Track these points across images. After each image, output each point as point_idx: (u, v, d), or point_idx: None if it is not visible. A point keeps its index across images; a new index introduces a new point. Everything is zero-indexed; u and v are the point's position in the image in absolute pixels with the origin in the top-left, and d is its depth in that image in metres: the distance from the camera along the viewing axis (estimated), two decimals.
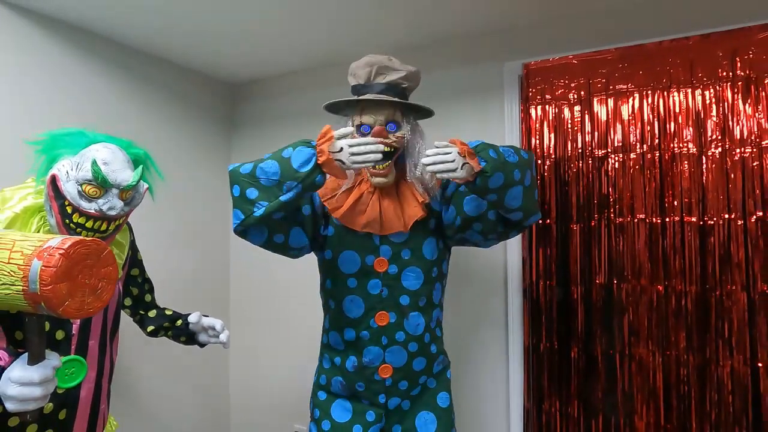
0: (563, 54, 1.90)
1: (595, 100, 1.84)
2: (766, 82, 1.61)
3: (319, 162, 1.26)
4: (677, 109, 1.73)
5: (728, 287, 1.63)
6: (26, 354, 0.97)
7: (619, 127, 1.81)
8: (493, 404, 2.02)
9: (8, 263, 0.90)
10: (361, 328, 1.48)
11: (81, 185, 1.19)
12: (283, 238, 1.45)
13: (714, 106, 1.68)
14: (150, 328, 1.57)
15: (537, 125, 1.93)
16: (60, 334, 1.23)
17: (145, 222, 1.88)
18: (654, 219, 1.74)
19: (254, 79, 2.66)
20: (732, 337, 1.62)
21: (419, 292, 1.49)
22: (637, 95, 1.78)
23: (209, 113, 2.61)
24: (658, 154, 1.75)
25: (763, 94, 1.62)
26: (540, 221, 1.91)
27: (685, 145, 1.71)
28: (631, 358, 1.75)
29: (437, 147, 1.29)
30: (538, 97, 1.93)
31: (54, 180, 1.20)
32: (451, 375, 1.67)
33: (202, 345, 1.58)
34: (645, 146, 1.77)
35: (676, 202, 1.71)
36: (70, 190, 1.19)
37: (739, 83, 1.65)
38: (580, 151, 1.86)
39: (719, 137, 1.67)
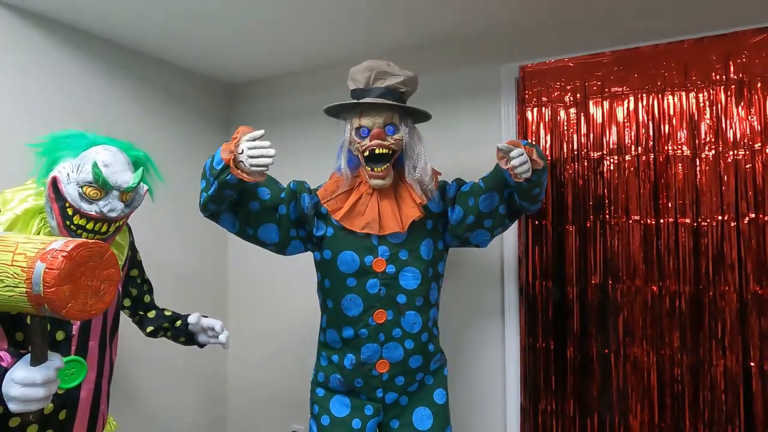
0: (559, 57, 1.91)
1: (591, 102, 1.86)
2: (758, 85, 1.63)
3: (225, 162, 1.31)
4: (671, 112, 1.75)
5: (721, 288, 1.65)
6: (29, 355, 0.98)
7: (614, 129, 1.82)
8: (490, 403, 2.03)
9: (11, 265, 0.91)
10: (359, 326, 1.51)
11: (82, 187, 1.20)
12: (252, 231, 1.54)
13: (708, 109, 1.70)
14: (149, 329, 1.58)
15: (533, 127, 1.95)
16: (60, 335, 1.23)
17: (144, 222, 1.89)
18: (648, 220, 1.76)
19: (253, 80, 2.66)
20: (725, 337, 1.64)
21: (416, 291, 1.51)
22: (632, 98, 1.80)
23: (208, 114, 2.61)
24: (652, 156, 1.76)
25: (756, 97, 1.64)
26: (536, 222, 1.93)
27: (679, 147, 1.73)
28: (625, 357, 1.77)
29: (501, 149, 1.38)
30: (535, 99, 1.95)
31: (55, 182, 1.20)
32: (448, 373, 1.69)
33: (201, 345, 1.59)
34: (640, 148, 1.78)
35: (670, 204, 1.73)
36: (70, 192, 1.19)
37: (733, 86, 1.67)
38: (575, 152, 1.88)
39: (713, 140, 1.69)
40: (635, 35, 1.82)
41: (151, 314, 1.59)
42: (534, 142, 1.93)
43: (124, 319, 1.58)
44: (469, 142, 2.09)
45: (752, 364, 1.60)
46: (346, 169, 1.54)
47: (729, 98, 1.67)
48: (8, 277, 0.91)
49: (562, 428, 1.85)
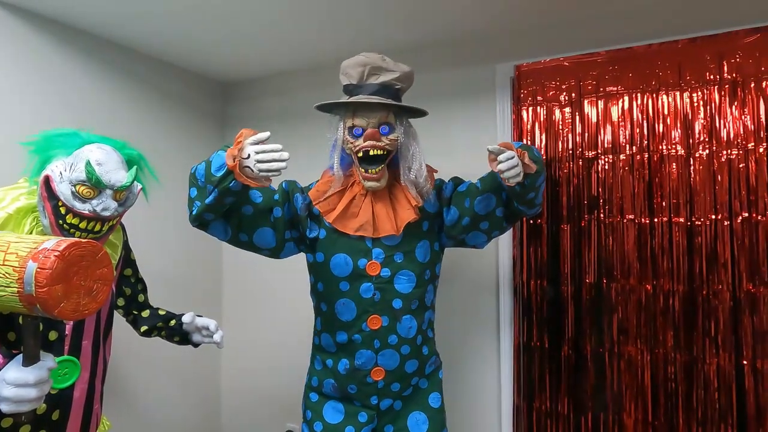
0: (554, 56, 1.91)
1: (586, 101, 1.86)
2: (752, 85, 1.64)
3: (229, 168, 1.22)
4: (666, 111, 1.75)
5: (715, 287, 1.66)
6: (21, 355, 0.97)
7: (608, 128, 1.83)
8: (484, 402, 2.03)
9: (3, 265, 0.90)
10: (353, 332, 1.47)
11: (75, 186, 1.19)
12: (247, 237, 1.46)
13: (701, 109, 1.70)
14: (143, 328, 1.57)
15: (528, 126, 1.95)
16: (53, 335, 1.22)
17: (137, 221, 1.88)
18: (643, 219, 1.77)
19: (248, 79, 2.65)
20: (718, 335, 1.64)
21: (412, 295, 1.48)
22: (626, 97, 1.81)
23: (201, 113, 2.60)
24: (647, 156, 1.77)
25: (750, 97, 1.65)
26: (531, 221, 1.93)
27: (674, 146, 1.74)
28: (619, 356, 1.77)
29: (491, 151, 1.29)
30: (530, 98, 1.95)
31: (47, 181, 1.19)
32: (443, 374, 1.67)
33: (195, 345, 1.58)
34: (634, 147, 1.79)
35: (664, 203, 1.74)
36: (63, 190, 1.18)
37: (726, 86, 1.67)
38: (570, 152, 1.88)
39: (706, 139, 1.69)
40: (630, 35, 1.82)
41: (145, 313, 1.58)
42: (529, 144, 1.92)
43: (118, 318, 1.57)
44: (465, 141, 2.08)
45: (745, 362, 1.61)
46: (338, 169, 1.48)
47: (723, 98, 1.68)
48: (0, 277, 0.90)
49: (556, 427, 1.85)
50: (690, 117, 1.72)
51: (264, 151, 1.19)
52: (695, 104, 1.71)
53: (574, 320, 1.84)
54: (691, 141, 1.72)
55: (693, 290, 1.69)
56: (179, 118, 2.47)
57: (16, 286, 0.89)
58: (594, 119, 1.85)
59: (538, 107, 1.94)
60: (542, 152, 1.92)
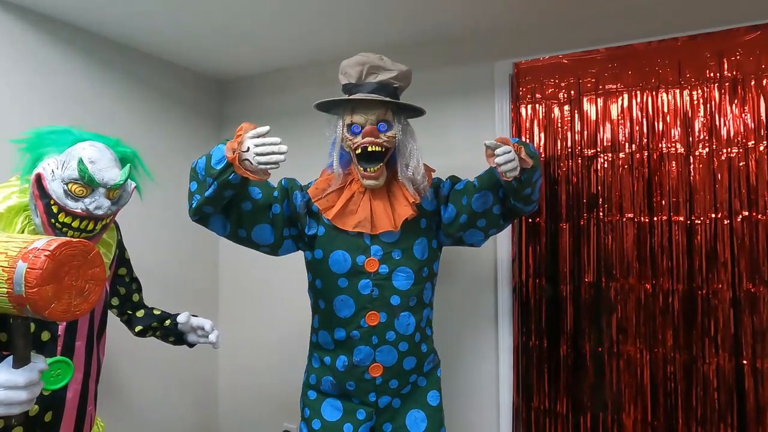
0: (553, 53, 1.90)
1: (585, 99, 1.85)
2: (752, 83, 1.63)
3: (228, 160, 1.24)
4: (665, 109, 1.74)
5: (714, 286, 1.65)
6: (11, 357, 0.96)
7: (608, 126, 1.82)
8: (483, 401, 2.03)
9: None
10: (351, 328, 1.47)
11: (67, 184, 1.17)
12: (245, 233, 1.47)
13: (701, 107, 1.69)
14: (138, 328, 1.55)
15: (527, 124, 1.94)
16: (46, 335, 1.21)
17: (132, 220, 1.86)
18: (642, 218, 1.76)
19: (245, 76, 2.63)
20: (718, 334, 1.64)
21: (410, 292, 1.48)
22: (626, 95, 1.79)
23: (197, 110, 2.58)
24: (646, 154, 1.76)
25: (750, 95, 1.63)
26: (530, 219, 1.92)
27: (673, 144, 1.73)
28: (619, 355, 1.76)
29: (488, 146, 1.32)
30: (529, 96, 1.93)
31: (39, 179, 1.18)
32: (442, 373, 1.68)
33: (191, 345, 1.57)
34: (634, 146, 1.78)
35: (663, 202, 1.73)
36: (55, 189, 1.17)
37: (726, 84, 1.66)
38: (569, 150, 1.87)
39: (706, 137, 1.68)
40: (629, 32, 1.81)
41: (140, 313, 1.56)
42: (527, 140, 1.92)
43: (113, 318, 1.55)
44: (463, 139, 2.07)
45: (745, 362, 1.60)
46: (337, 167, 1.49)
47: (723, 96, 1.67)
48: None
49: (554, 426, 1.84)
50: (690, 115, 1.71)
51: (263, 144, 1.21)
52: (695, 102, 1.70)
53: (573, 319, 1.83)
54: (690, 139, 1.70)
55: (692, 289, 1.68)
56: (176, 116, 2.45)
57: (6, 286, 0.87)
58: (593, 117, 1.84)
59: (537, 105, 1.92)
60: (541, 150, 1.91)
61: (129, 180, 1.30)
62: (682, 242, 1.70)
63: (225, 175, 1.26)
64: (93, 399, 1.36)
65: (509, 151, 1.30)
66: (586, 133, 1.85)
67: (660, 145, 1.74)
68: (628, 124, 1.79)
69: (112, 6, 1.83)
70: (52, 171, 1.18)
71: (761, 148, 1.61)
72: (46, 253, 0.87)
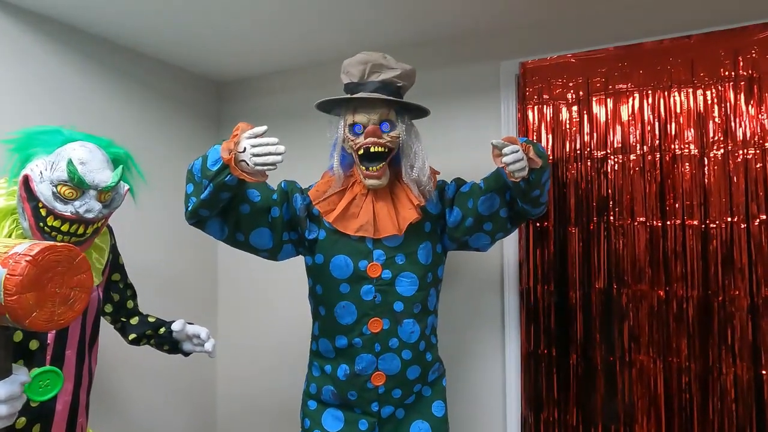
0: (561, 53, 1.86)
1: (594, 100, 1.81)
2: None
3: (224, 161, 1.21)
4: (678, 110, 1.70)
5: (731, 292, 1.60)
6: None
7: (618, 127, 1.77)
8: (490, 412, 1.98)
9: None
10: (353, 335, 1.44)
11: (56, 186, 1.14)
12: (243, 237, 1.45)
13: (716, 107, 1.65)
14: (132, 336, 1.51)
15: (534, 126, 1.89)
16: (34, 344, 1.17)
17: (128, 223, 1.82)
18: (654, 222, 1.71)
19: (244, 78, 2.60)
20: (735, 343, 1.58)
21: (414, 298, 1.45)
22: (637, 95, 1.75)
23: (195, 112, 2.55)
24: (658, 156, 1.71)
25: (766, 94, 1.59)
26: (537, 224, 1.87)
27: (687, 146, 1.68)
28: (631, 365, 1.71)
29: (495, 145, 1.29)
30: (536, 96, 1.89)
31: (27, 180, 1.15)
32: (447, 382, 1.63)
33: (186, 354, 1.52)
34: (645, 147, 1.73)
35: (677, 205, 1.68)
36: (43, 191, 1.13)
37: (742, 83, 1.62)
38: (578, 152, 1.82)
39: (721, 138, 1.64)
40: (639, 30, 1.77)
41: (134, 321, 1.52)
42: (535, 140, 1.87)
43: (106, 324, 1.50)
44: (468, 141, 2.03)
45: (764, 371, 1.55)
46: (338, 169, 1.46)
47: (738, 95, 1.62)
48: None
49: None
50: (704, 115, 1.66)
51: (260, 145, 1.18)
52: (709, 102, 1.66)
53: (583, 327, 1.78)
54: (705, 140, 1.66)
55: (708, 296, 1.62)
56: (174, 117, 2.42)
57: None
58: (603, 118, 1.79)
59: (544, 106, 1.88)
60: (549, 152, 1.87)
61: (122, 182, 1.26)
62: (696, 247, 1.65)
63: (221, 177, 1.23)
64: (84, 410, 1.32)
65: (517, 151, 1.27)
66: (595, 134, 1.80)
67: (673, 147, 1.70)
68: (640, 125, 1.74)
69: (110, 7, 1.80)
70: (41, 172, 1.14)
71: None
72: (27, 258, 0.82)
